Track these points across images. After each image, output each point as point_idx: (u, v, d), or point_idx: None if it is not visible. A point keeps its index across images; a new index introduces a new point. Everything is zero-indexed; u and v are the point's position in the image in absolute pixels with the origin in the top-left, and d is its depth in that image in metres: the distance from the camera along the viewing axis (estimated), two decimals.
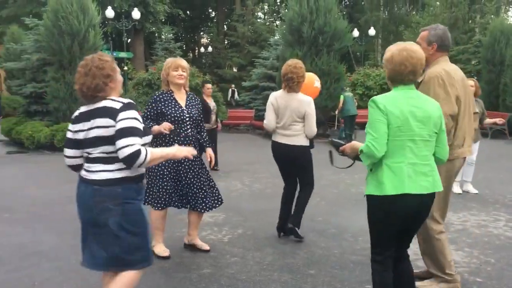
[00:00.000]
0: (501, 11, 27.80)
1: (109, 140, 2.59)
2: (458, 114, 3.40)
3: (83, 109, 2.73)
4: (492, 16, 22.14)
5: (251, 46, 31.86)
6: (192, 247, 4.57)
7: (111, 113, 2.59)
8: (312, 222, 5.52)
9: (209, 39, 41.95)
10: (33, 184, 7.75)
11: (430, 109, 2.75)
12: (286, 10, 15.78)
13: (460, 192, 6.97)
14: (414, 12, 36.18)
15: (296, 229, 4.79)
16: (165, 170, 4.21)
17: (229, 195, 7.01)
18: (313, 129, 4.64)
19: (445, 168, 3.29)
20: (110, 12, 20.47)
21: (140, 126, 2.65)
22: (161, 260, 4.20)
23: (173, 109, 4.20)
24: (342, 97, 13.60)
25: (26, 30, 15.25)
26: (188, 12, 41.29)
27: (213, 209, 4.47)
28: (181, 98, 4.31)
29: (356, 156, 2.92)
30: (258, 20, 39.01)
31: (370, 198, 2.80)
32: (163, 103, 4.19)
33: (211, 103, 9.04)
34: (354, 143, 2.91)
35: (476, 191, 7.01)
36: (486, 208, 6.13)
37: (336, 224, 5.37)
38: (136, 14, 21.54)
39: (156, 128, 4.07)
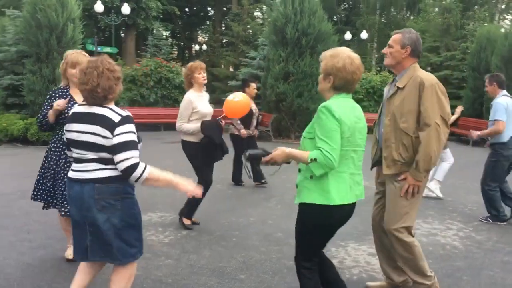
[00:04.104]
0: (495, 18, 27.71)
1: (104, 148, 2.65)
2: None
3: (80, 109, 2.76)
4: (483, 22, 22.05)
5: (244, 45, 31.74)
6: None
7: (110, 125, 2.64)
8: (262, 225, 5.44)
9: (206, 38, 41.88)
10: None
11: (364, 119, 2.78)
12: (272, 11, 15.67)
13: (441, 195, 7.01)
14: (412, 17, 36.12)
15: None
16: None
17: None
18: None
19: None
20: (99, 7, 20.37)
21: (136, 138, 2.72)
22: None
23: (68, 104, 3.99)
24: None
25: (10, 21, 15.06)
26: (186, 9, 41.18)
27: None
28: (77, 93, 3.99)
29: (283, 162, 2.83)
30: (257, 19, 38.90)
31: (310, 206, 2.71)
32: (57, 100, 4.00)
33: (253, 106, 7.36)
34: (282, 149, 2.78)
35: (436, 195, 7.00)
36: (442, 216, 6.03)
37: (285, 228, 5.25)
38: (125, 9, 21.42)
39: (51, 112, 3.90)
